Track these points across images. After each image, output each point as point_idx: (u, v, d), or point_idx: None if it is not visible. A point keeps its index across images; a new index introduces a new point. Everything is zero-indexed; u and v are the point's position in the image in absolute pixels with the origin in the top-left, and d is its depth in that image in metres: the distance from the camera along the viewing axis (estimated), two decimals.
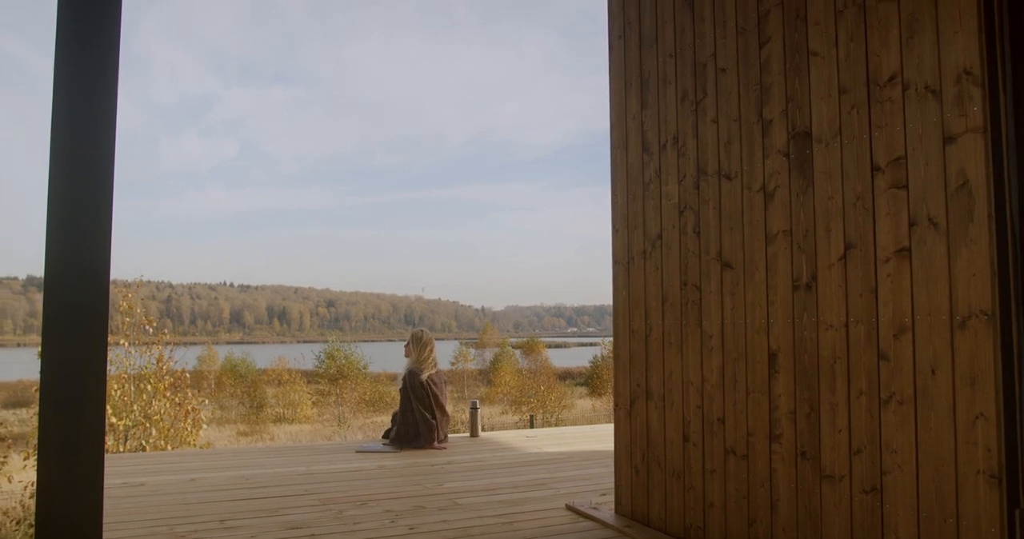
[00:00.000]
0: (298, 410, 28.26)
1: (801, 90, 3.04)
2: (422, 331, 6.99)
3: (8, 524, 9.10)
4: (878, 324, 2.70)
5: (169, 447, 11.45)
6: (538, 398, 27.38)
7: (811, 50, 3.00)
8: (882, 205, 2.70)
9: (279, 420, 27.37)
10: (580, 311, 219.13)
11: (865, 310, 2.75)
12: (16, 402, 28.51)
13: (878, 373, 2.70)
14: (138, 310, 12.51)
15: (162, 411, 11.76)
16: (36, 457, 1.88)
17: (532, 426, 16.49)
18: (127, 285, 13.36)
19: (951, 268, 2.47)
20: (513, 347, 42.85)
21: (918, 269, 2.57)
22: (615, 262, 4.21)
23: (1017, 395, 2.36)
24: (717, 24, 3.48)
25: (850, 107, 2.83)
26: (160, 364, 12.22)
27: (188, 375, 12.81)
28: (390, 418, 6.97)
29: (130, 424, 11.43)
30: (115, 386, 11.50)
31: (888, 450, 2.65)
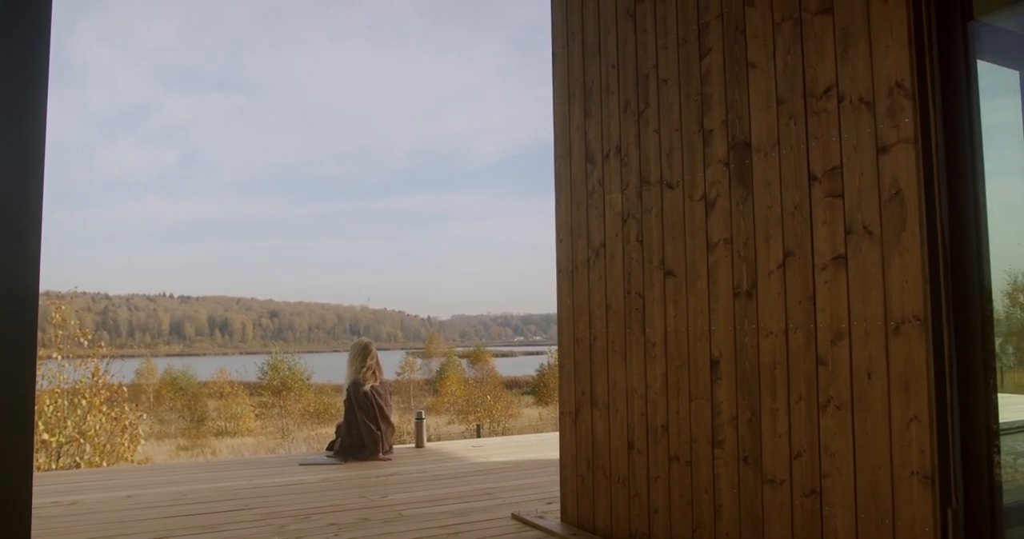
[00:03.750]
0: (240, 423, 27.74)
1: (741, 101, 3.09)
2: (362, 340, 6.92)
3: None
4: (816, 330, 2.76)
5: (105, 463, 11.12)
6: (485, 407, 27.34)
7: (750, 62, 3.05)
8: (819, 213, 2.76)
9: (221, 433, 26.81)
10: (527, 320, 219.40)
11: (803, 316, 2.81)
12: None
13: (816, 378, 2.75)
14: (72, 322, 12.18)
15: (97, 426, 11.43)
16: None
17: (479, 436, 16.43)
18: (60, 296, 12.99)
19: (885, 275, 2.53)
20: (459, 356, 42.68)
21: (854, 276, 2.63)
22: (559, 271, 4.22)
23: (948, 398, 2.43)
24: (659, 35, 3.52)
25: (788, 118, 2.89)
26: (95, 378, 11.89)
27: (125, 389, 12.48)
28: (334, 430, 6.87)
29: (63, 440, 11.07)
30: (47, 401, 11.13)
31: (827, 454, 2.70)
